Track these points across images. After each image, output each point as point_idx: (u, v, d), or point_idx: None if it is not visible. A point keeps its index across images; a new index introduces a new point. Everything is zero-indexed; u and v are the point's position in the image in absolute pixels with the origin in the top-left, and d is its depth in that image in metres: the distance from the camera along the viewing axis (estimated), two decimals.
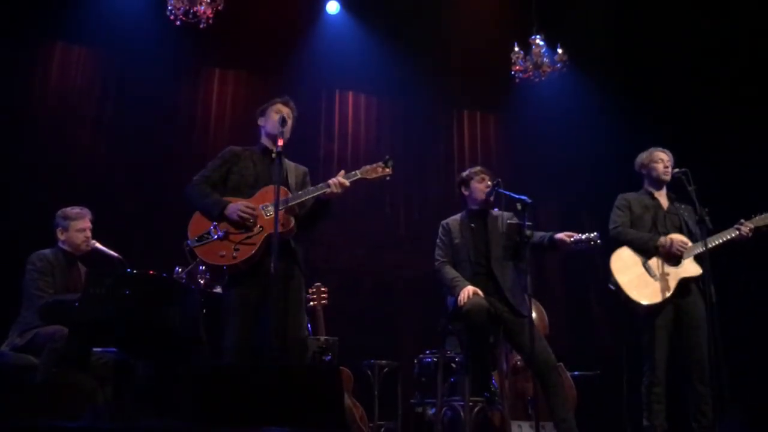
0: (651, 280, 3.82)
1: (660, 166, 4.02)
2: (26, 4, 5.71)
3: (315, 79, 6.58)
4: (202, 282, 4.07)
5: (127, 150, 5.94)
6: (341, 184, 3.29)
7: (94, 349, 3.78)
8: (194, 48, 6.09)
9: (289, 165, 3.56)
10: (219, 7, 5.49)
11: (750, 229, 3.85)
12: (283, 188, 3.31)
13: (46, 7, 5.79)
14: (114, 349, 3.85)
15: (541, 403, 3.63)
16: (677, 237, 3.87)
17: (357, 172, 3.40)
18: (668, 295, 3.78)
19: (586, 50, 6.41)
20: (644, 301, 3.78)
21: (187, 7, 5.36)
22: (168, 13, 5.41)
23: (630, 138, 6.54)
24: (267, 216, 3.29)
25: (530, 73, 6.16)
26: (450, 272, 3.75)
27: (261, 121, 3.58)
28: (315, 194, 3.34)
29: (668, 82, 6.45)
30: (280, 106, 3.54)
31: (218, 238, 3.29)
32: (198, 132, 6.35)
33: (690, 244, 3.87)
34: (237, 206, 3.30)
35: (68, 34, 5.95)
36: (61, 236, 4.07)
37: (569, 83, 6.52)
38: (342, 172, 3.37)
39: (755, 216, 3.91)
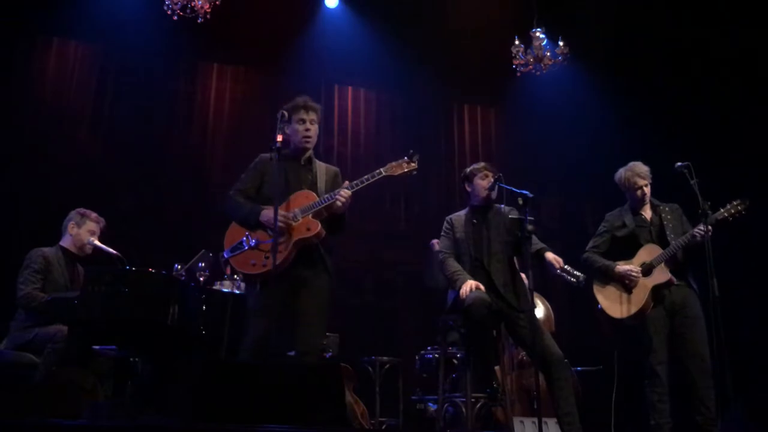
0: (625, 294, 3.95)
1: (638, 193, 4.05)
2: (23, 0, 5.68)
3: (314, 74, 6.55)
4: (201, 279, 4.05)
5: (125, 145, 5.93)
6: (347, 197, 3.27)
7: (94, 347, 3.78)
8: (192, 43, 6.06)
9: (320, 167, 3.53)
10: (216, 2, 5.45)
11: (703, 234, 3.76)
12: (311, 192, 3.34)
13: (43, 3, 5.76)
14: (114, 347, 3.84)
15: (544, 398, 3.60)
16: (627, 267, 3.94)
17: (381, 170, 3.36)
18: (641, 305, 3.89)
19: (587, 43, 6.38)
20: (620, 316, 3.95)
21: (185, 2, 5.33)
22: (165, 8, 5.37)
23: (631, 130, 6.53)
24: (294, 222, 3.29)
25: (531, 67, 6.12)
26: (452, 265, 3.74)
27: (287, 129, 3.48)
28: (327, 203, 3.30)
29: (669, 75, 6.42)
30: (302, 114, 3.45)
31: (249, 247, 3.30)
32: (196, 127, 6.33)
33: (646, 263, 3.93)
34: (270, 214, 3.26)
35: (65, 29, 5.93)
36: (71, 231, 4.10)
37: (570, 76, 6.49)
38: (346, 182, 3.33)
39: (722, 209, 3.89)
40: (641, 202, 4.07)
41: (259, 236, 3.30)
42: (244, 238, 3.32)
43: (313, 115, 3.47)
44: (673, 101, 6.35)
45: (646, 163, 4.17)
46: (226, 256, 3.35)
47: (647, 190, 4.05)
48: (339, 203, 3.25)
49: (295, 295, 3.28)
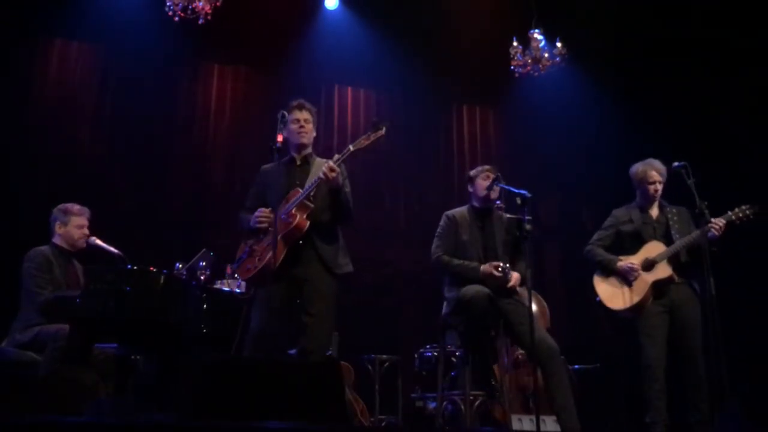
0: (626, 287, 3.98)
1: (651, 188, 4.06)
2: (26, 0, 5.70)
3: (314, 75, 6.58)
4: (202, 278, 4.07)
5: (126, 146, 5.96)
6: (330, 169, 3.28)
7: (96, 345, 3.80)
8: (193, 44, 6.09)
9: (318, 163, 3.55)
10: (217, 3, 5.48)
11: (720, 226, 3.83)
12: (297, 189, 3.40)
13: (46, 3, 5.79)
14: (115, 345, 3.86)
15: (541, 396, 3.63)
16: (628, 264, 3.97)
17: (350, 146, 3.40)
18: (640, 298, 3.92)
19: (585, 44, 6.40)
20: (616, 308, 3.98)
21: (186, 3, 5.36)
22: (166, 8, 5.40)
23: (629, 131, 6.55)
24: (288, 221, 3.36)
25: (529, 68, 6.15)
26: (454, 259, 3.76)
27: (285, 132, 3.55)
28: (314, 186, 3.35)
29: (667, 75, 6.44)
30: (296, 114, 3.55)
31: (246, 255, 3.43)
32: (197, 128, 6.35)
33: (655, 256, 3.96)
34: (253, 215, 3.41)
35: (67, 29, 5.96)
36: (59, 230, 4.05)
37: (568, 77, 6.51)
38: (335, 156, 3.38)
39: (730, 212, 3.92)
40: (651, 199, 4.09)
41: (252, 242, 3.42)
42: (246, 248, 3.44)
43: (306, 114, 3.56)
44: (671, 101, 6.37)
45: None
46: (233, 268, 3.50)
47: (659, 187, 4.07)
48: (322, 176, 3.26)
49: (299, 293, 3.35)
